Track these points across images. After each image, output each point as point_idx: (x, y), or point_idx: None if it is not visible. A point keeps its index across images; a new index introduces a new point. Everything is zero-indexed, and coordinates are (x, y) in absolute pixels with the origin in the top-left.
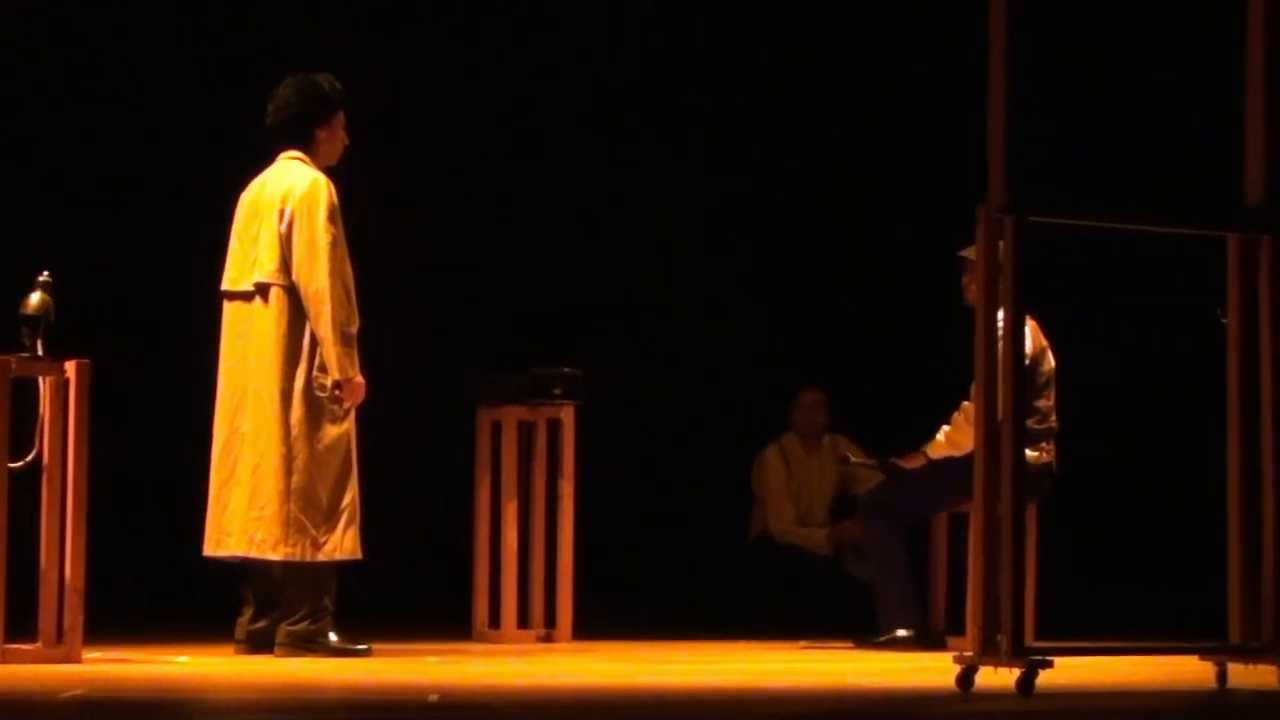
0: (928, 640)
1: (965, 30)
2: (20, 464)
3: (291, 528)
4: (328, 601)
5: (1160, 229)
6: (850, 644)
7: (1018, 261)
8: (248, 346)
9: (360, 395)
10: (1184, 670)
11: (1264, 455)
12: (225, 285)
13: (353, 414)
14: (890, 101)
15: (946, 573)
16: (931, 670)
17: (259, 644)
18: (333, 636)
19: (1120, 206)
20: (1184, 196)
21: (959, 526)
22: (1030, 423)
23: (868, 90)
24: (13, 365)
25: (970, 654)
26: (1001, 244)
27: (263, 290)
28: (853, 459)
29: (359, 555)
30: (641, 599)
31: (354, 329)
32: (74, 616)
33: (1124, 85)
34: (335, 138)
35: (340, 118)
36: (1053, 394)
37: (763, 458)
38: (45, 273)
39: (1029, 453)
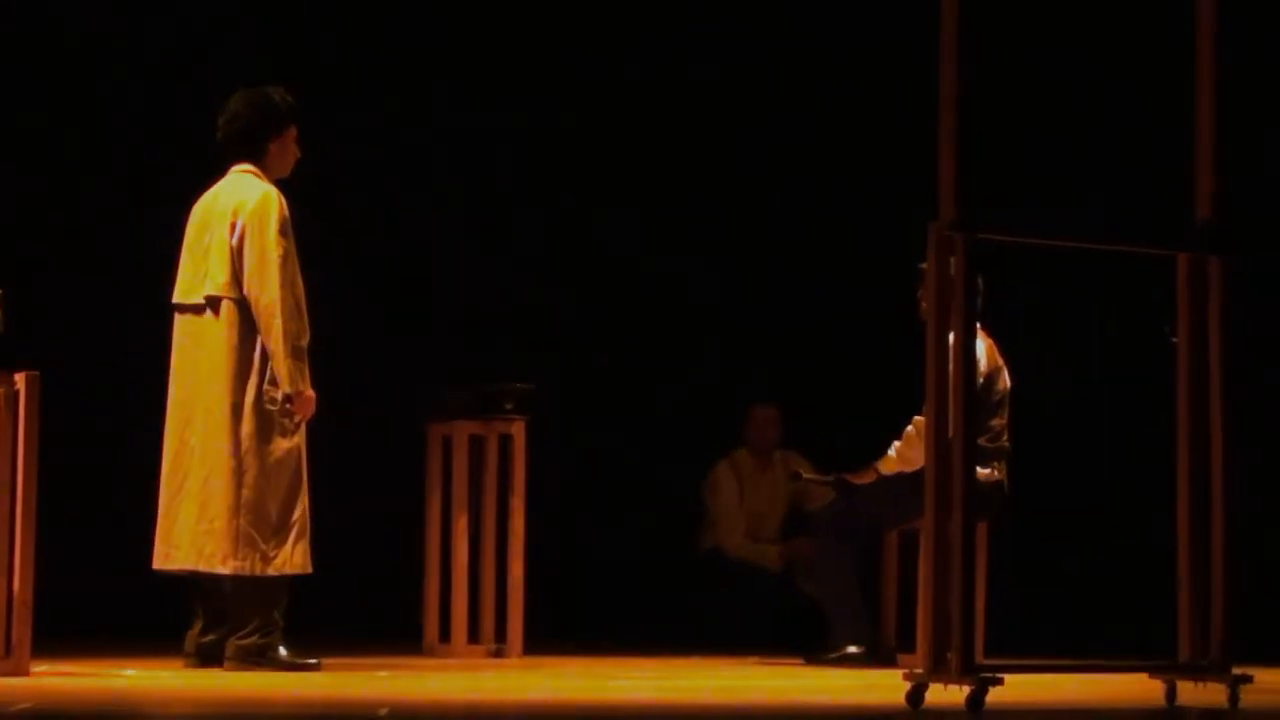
0: (878, 657)
1: (917, 43)
2: None
3: (241, 542)
4: (277, 616)
5: (1110, 248)
6: (801, 660)
7: (968, 279)
8: (198, 359)
9: (311, 409)
10: (1133, 688)
11: (1213, 473)
12: (176, 298)
13: (303, 428)
14: (844, 115)
15: (897, 589)
16: (882, 687)
17: (208, 658)
18: (282, 651)
19: (1070, 225)
20: (1133, 216)
21: (910, 543)
22: (982, 441)
23: (822, 104)
24: None
25: (920, 671)
26: (953, 261)
27: (213, 303)
28: (804, 475)
29: (309, 569)
30: (592, 615)
31: (305, 342)
32: (22, 629)
33: (1074, 102)
34: (287, 151)
35: (292, 131)
36: (1006, 414)
37: (714, 473)
38: None
39: (980, 471)
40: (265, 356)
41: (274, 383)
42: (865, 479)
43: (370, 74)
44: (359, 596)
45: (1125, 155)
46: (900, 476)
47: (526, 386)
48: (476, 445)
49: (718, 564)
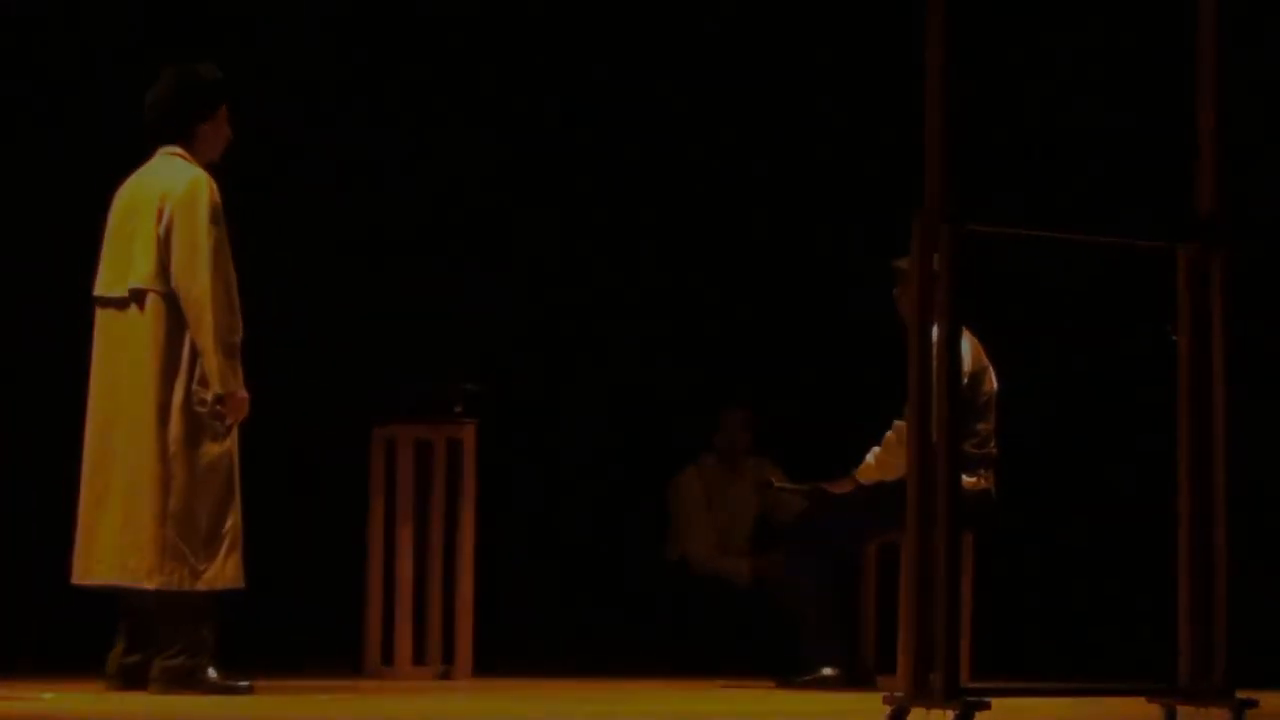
0: (856, 679)
1: (900, 30)
2: None
3: (168, 554)
4: (206, 634)
5: (1107, 241)
6: (773, 683)
7: (954, 274)
8: (122, 357)
9: (243, 410)
10: (1130, 712)
11: (1216, 482)
12: (98, 291)
13: (235, 431)
14: (819, 109)
15: (876, 607)
16: (860, 711)
17: (132, 680)
18: (212, 672)
19: (1065, 217)
20: (1132, 208)
21: (890, 557)
22: (968, 446)
23: (795, 98)
24: None
25: (901, 694)
26: (937, 255)
27: (138, 297)
28: (776, 484)
29: (241, 584)
30: (547, 633)
31: (237, 339)
32: None
33: (1073, 93)
34: (219, 132)
35: (224, 111)
36: (993, 417)
37: (678, 479)
38: None
39: (965, 479)
40: (194, 354)
41: (204, 382)
42: (842, 488)
43: (355, 71)
44: (295, 613)
45: (1124, 155)
46: (880, 486)
47: (477, 387)
48: (423, 450)
49: (683, 576)
